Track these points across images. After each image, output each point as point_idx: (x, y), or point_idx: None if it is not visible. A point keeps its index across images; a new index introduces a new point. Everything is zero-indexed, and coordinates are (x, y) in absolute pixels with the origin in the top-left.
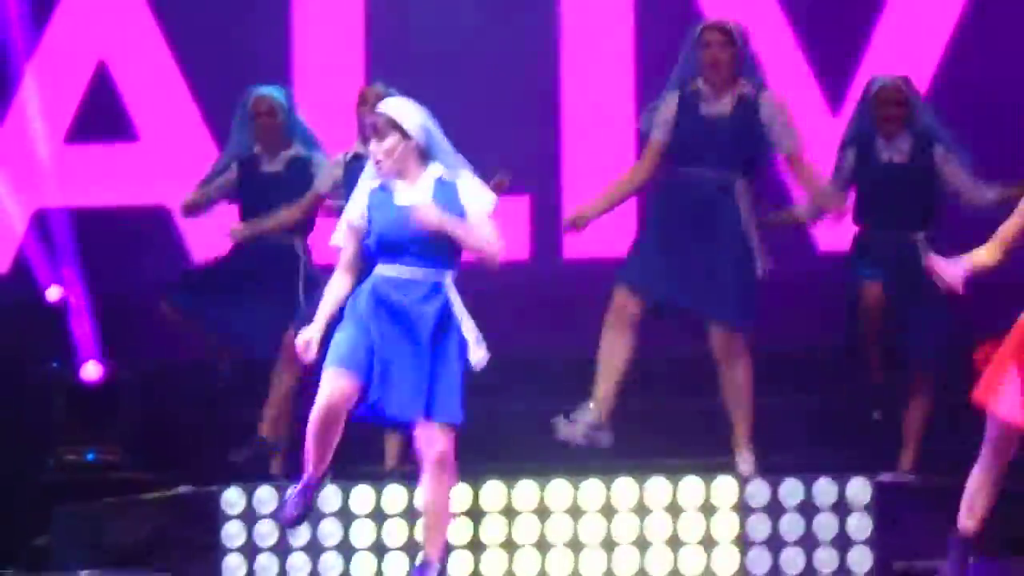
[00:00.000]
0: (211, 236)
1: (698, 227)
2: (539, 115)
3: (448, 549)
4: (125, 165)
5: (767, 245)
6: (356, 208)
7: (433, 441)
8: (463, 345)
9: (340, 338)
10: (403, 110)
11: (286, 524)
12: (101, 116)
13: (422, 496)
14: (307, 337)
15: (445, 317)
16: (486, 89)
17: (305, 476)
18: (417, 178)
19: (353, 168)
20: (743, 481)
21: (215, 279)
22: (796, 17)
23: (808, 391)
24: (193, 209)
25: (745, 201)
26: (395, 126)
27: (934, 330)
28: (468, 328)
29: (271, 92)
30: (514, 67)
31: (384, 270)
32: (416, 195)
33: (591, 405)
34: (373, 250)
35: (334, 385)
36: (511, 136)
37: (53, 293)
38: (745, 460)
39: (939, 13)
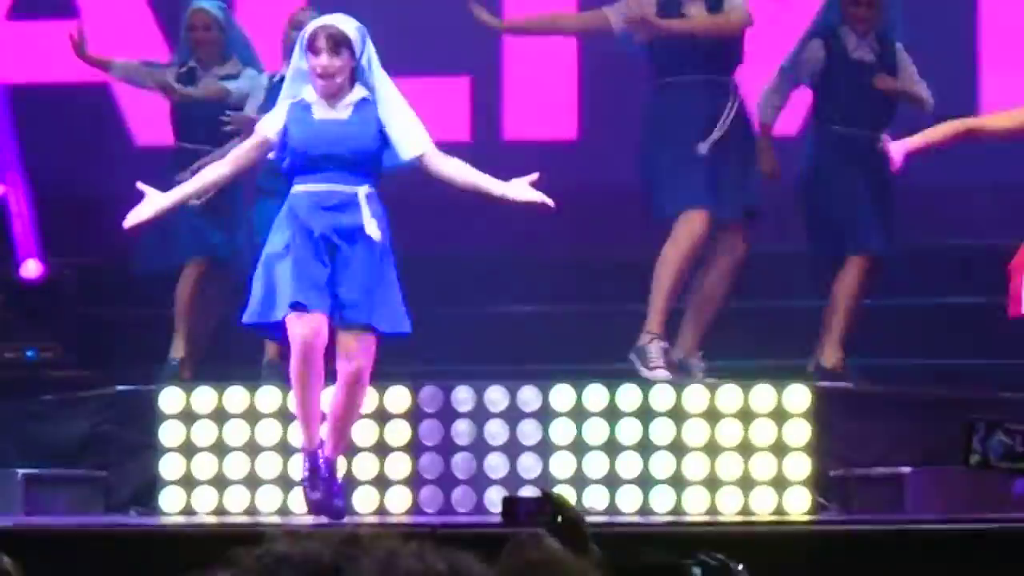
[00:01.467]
0: (153, 117)
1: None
2: None
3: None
4: (66, 42)
5: None
6: (273, 122)
7: (352, 353)
8: (385, 255)
9: (281, 277)
10: (354, 29)
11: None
12: None
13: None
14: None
15: (361, 230)
16: None
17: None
18: (343, 98)
19: (279, 91)
20: (680, 388)
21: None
22: None
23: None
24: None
25: None
26: (348, 45)
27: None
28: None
29: (207, 6)
30: None
31: (301, 186)
32: (336, 112)
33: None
34: (287, 167)
35: (303, 327)
36: (451, 16)
37: None
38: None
39: None
